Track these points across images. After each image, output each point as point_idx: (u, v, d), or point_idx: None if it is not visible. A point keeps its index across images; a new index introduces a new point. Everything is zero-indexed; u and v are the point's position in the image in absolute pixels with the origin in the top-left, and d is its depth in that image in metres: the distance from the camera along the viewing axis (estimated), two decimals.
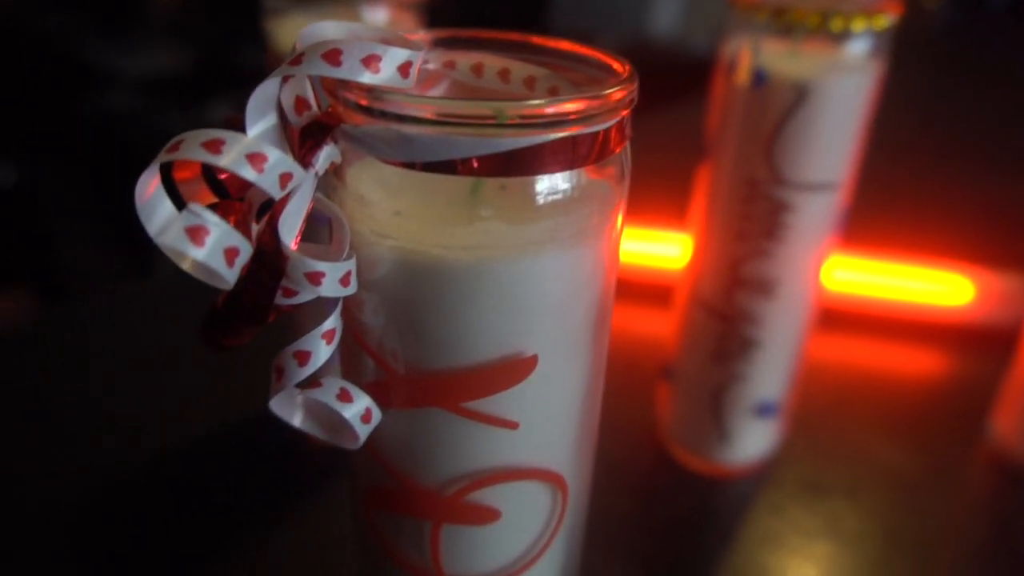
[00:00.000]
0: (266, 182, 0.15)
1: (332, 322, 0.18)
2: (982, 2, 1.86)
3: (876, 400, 0.49)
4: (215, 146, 0.15)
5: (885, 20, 0.33)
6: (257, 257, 0.16)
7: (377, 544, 0.23)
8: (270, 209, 0.17)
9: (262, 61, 0.36)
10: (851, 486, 0.42)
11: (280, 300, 0.18)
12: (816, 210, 0.35)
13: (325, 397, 0.19)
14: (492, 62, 0.22)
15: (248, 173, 0.15)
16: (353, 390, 0.19)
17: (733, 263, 0.37)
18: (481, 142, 0.16)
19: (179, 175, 0.17)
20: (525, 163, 0.17)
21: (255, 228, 0.17)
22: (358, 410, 0.19)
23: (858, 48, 0.33)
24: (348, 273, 0.18)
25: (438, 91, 0.22)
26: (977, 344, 0.54)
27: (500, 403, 0.19)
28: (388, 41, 0.17)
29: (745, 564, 0.37)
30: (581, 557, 0.26)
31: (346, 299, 0.19)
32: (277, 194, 0.16)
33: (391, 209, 0.18)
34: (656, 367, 0.46)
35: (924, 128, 0.99)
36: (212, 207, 0.15)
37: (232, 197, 0.18)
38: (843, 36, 0.33)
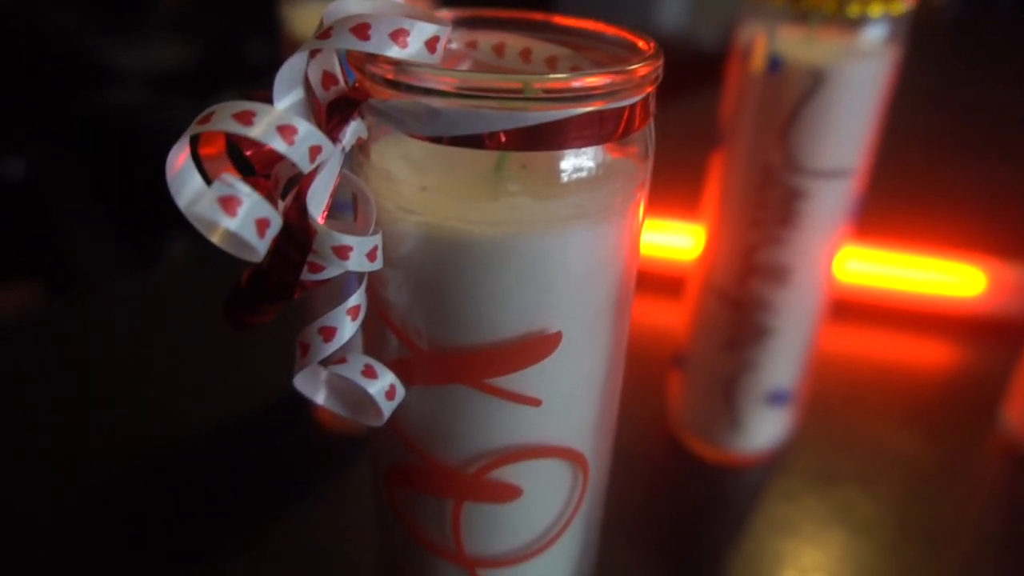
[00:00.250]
0: (296, 154, 0.15)
1: (357, 298, 0.18)
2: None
3: (888, 389, 0.49)
4: (246, 117, 0.15)
5: (902, 5, 0.32)
6: (284, 232, 0.16)
7: (399, 523, 0.23)
8: (296, 186, 0.17)
9: (275, 48, 0.36)
10: (863, 475, 0.42)
11: (306, 275, 0.18)
12: (831, 197, 0.35)
13: (350, 373, 0.19)
14: (514, 42, 0.22)
15: (279, 144, 0.15)
16: (378, 366, 0.19)
17: (747, 250, 0.37)
18: (508, 116, 0.16)
19: (204, 151, 0.17)
20: (551, 137, 0.17)
21: (281, 205, 0.17)
22: (383, 386, 0.19)
23: (875, 34, 0.33)
24: (375, 248, 0.18)
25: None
26: (989, 334, 0.54)
27: (523, 380, 0.19)
28: (415, 17, 0.17)
29: (757, 551, 0.37)
30: (599, 540, 0.26)
31: (370, 276, 0.19)
32: (306, 167, 0.16)
33: (417, 185, 0.18)
34: (667, 356, 0.46)
35: (935, 119, 0.99)
36: None
37: (257, 174, 0.18)
38: (860, 22, 0.33)
